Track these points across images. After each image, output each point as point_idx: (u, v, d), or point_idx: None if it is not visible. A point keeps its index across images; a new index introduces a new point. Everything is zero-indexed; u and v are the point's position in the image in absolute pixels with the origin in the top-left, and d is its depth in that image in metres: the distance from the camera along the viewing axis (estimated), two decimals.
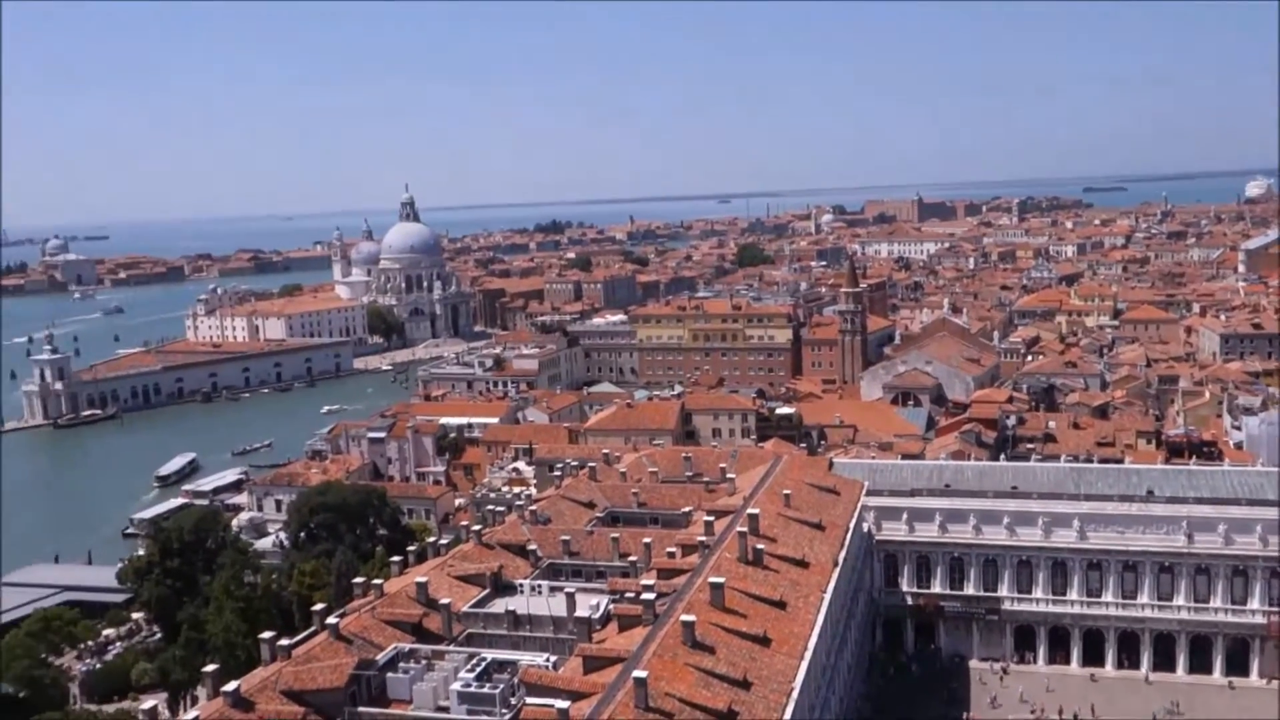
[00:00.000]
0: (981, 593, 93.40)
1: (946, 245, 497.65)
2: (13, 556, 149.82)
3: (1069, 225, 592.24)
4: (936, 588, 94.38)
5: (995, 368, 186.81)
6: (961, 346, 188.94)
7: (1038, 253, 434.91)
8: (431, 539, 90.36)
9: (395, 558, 77.51)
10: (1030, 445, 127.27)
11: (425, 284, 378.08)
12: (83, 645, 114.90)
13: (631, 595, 61.55)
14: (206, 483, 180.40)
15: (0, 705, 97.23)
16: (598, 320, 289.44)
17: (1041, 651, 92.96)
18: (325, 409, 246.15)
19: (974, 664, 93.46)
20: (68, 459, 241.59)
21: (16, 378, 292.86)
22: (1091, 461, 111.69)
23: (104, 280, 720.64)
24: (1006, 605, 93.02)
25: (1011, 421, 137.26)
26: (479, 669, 53.91)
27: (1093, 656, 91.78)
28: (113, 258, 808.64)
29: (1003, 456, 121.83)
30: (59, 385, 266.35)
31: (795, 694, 53.26)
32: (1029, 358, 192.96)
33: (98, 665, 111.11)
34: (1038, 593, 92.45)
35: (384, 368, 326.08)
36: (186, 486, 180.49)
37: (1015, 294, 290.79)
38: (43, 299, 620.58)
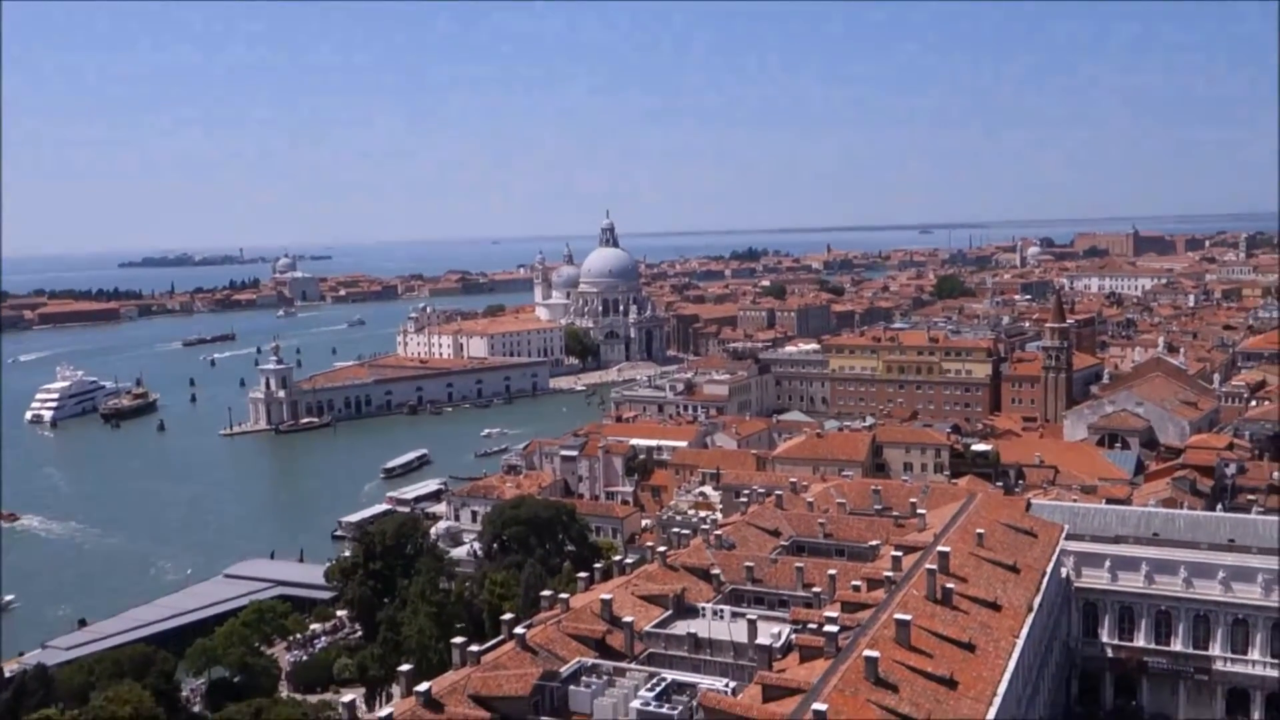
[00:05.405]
0: (1191, 650, 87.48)
1: (1164, 281, 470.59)
2: (235, 550, 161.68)
3: None
4: (1140, 641, 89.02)
5: (1214, 412, 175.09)
6: (1177, 388, 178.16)
7: (1266, 291, 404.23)
8: (617, 557, 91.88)
9: (582, 573, 79.34)
10: (1251, 496, 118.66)
11: (621, 308, 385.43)
12: (292, 637, 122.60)
13: (814, 626, 60.93)
14: (409, 491, 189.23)
15: (217, 688, 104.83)
16: (790, 348, 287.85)
17: (1257, 717, 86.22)
18: (485, 431, 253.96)
19: None
20: (285, 463, 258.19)
21: (245, 385, 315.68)
22: None
23: (325, 297, 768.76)
24: (1218, 665, 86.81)
25: (1231, 470, 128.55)
26: (659, 689, 54.56)
27: None
28: (334, 276, 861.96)
29: (1219, 507, 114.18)
30: (281, 393, 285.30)
31: None
32: (1253, 403, 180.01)
33: (304, 657, 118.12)
34: (1254, 654, 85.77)
35: (578, 388, 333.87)
36: (390, 494, 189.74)
37: (1240, 335, 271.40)
38: (271, 313, 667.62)
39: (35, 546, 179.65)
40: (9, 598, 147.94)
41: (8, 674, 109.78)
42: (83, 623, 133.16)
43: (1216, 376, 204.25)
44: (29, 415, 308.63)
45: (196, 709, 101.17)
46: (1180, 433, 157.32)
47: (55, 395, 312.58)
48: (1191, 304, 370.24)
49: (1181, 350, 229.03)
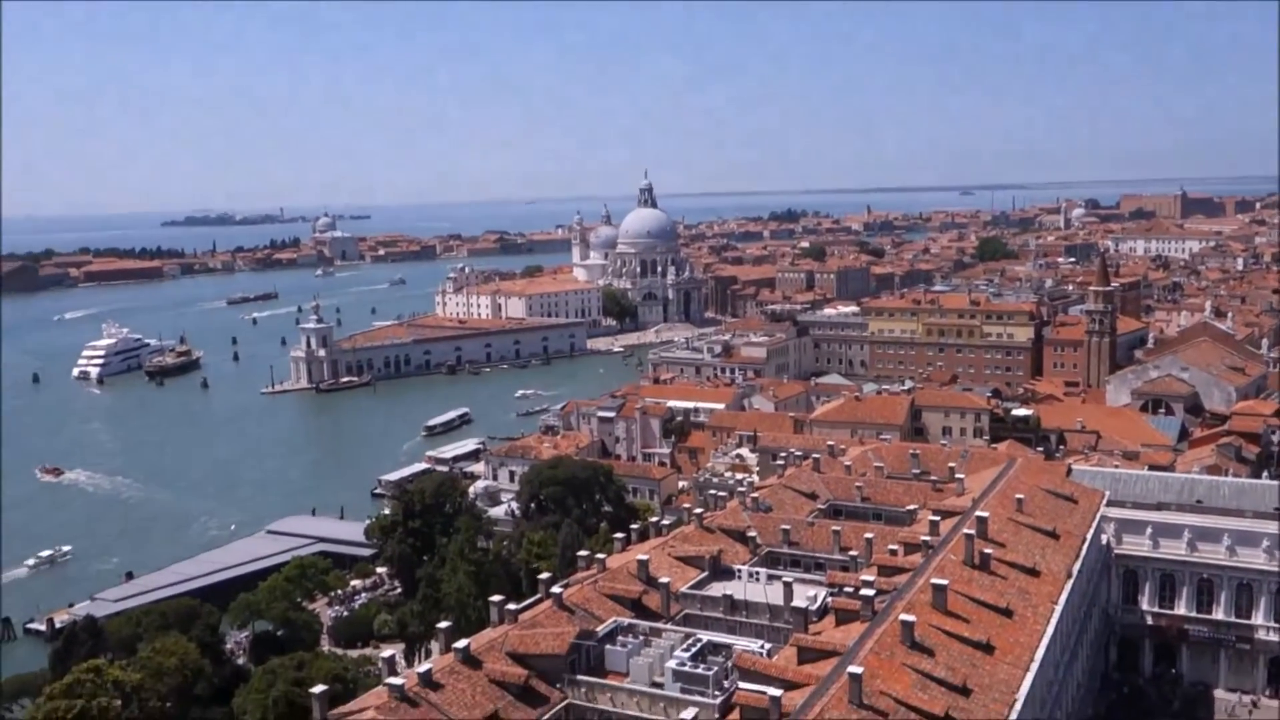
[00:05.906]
0: (1233, 618, 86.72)
1: (1212, 244, 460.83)
2: (276, 506, 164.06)
3: None
4: (1181, 609, 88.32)
5: (1262, 378, 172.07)
6: (1224, 353, 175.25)
7: None
8: (654, 519, 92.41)
9: (618, 534, 79.71)
10: None
11: (659, 269, 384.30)
12: (333, 593, 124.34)
13: (850, 590, 60.89)
14: (447, 450, 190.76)
15: (261, 641, 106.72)
16: (829, 311, 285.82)
17: None
18: (519, 392, 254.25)
19: (1219, 693, 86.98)
20: (326, 421, 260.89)
21: (286, 344, 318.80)
22: None
23: (364, 257, 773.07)
24: (1261, 634, 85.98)
25: (1278, 437, 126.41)
26: (694, 649, 54.84)
27: None
28: (373, 236, 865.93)
29: (1265, 474, 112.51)
30: (322, 352, 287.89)
31: (1019, 705, 51.31)
32: None
33: (345, 613, 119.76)
34: None
35: (615, 349, 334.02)
36: (429, 453, 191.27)
37: None
38: (311, 272, 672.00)
39: (82, 501, 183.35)
40: (65, 548, 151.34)
41: (58, 624, 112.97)
42: (130, 576, 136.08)
43: (1265, 342, 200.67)
44: (76, 372, 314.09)
45: (240, 661, 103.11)
46: (1226, 399, 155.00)
47: (101, 352, 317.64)
48: (1240, 267, 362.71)
49: (1229, 315, 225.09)
